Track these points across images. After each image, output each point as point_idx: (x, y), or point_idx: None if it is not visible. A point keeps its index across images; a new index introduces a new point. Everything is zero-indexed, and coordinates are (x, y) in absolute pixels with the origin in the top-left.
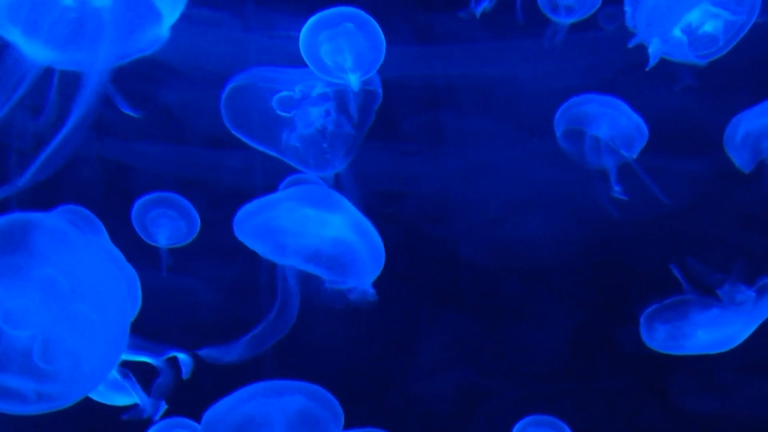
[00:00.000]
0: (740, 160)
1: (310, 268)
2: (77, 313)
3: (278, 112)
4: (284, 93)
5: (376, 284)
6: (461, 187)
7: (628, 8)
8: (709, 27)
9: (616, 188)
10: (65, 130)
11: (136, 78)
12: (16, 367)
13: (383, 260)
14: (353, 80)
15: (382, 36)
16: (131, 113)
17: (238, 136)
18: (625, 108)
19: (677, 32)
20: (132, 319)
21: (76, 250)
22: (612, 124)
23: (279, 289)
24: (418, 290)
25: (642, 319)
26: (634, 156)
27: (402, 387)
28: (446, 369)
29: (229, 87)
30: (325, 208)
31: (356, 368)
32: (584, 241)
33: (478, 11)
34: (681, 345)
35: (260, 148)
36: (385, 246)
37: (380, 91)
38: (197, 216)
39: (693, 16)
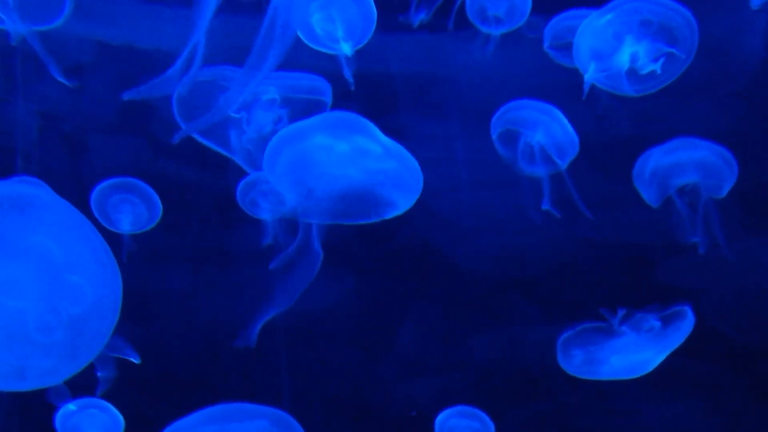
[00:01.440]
0: (648, 195)
1: (343, 207)
2: (72, 285)
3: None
4: None
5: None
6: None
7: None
8: (646, 62)
9: (546, 199)
10: None
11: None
12: (11, 341)
13: (421, 181)
14: (345, 48)
15: (374, 6)
16: (66, 83)
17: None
18: (561, 117)
19: (616, 63)
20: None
21: (69, 221)
22: (547, 131)
23: (299, 250)
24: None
25: (559, 345)
26: (564, 167)
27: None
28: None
29: (183, 86)
30: (359, 133)
31: (327, 393)
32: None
33: (416, 20)
34: (596, 370)
35: (210, 145)
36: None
37: (329, 100)
38: (159, 201)
39: (632, 50)
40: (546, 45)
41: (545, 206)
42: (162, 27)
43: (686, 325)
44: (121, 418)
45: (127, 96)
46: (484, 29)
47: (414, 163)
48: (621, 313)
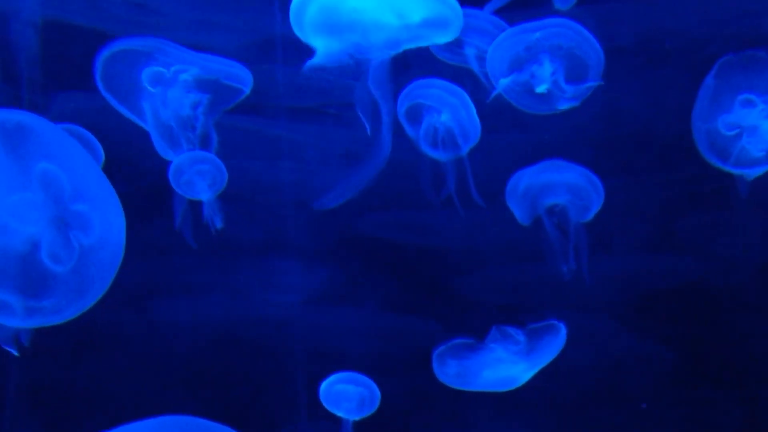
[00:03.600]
0: (520, 214)
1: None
2: (80, 213)
3: (145, 84)
4: (157, 68)
5: None
6: None
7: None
8: (552, 84)
9: (450, 183)
10: None
11: None
12: (15, 272)
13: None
14: None
15: None
16: None
17: (106, 97)
18: (469, 102)
19: (524, 80)
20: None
21: (76, 152)
22: (453, 114)
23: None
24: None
25: (434, 356)
26: (465, 152)
27: None
28: None
29: (108, 49)
30: None
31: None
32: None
33: None
34: (469, 382)
35: (128, 115)
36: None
37: (247, 90)
38: (100, 146)
39: (543, 72)
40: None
41: (447, 191)
42: None
43: (557, 339)
44: None
45: None
46: None
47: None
48: (492, 328)
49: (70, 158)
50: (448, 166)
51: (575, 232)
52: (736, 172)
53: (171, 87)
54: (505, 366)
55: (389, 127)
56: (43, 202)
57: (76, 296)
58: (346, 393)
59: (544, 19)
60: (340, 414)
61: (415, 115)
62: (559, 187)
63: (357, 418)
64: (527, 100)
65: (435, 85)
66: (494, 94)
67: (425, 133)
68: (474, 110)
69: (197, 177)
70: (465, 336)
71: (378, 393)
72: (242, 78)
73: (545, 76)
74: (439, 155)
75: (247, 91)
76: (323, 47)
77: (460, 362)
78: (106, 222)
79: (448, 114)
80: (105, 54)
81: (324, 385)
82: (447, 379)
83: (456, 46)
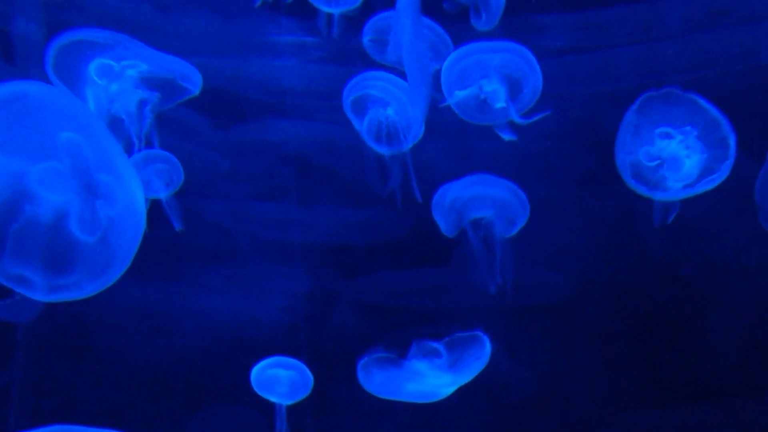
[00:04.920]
0: (445, 225)
1: None
2: (103, 183)
3: (91, 75)
4: (105, 60)
5: None
6: None
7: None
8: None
9: (394, 177)
10: None
11: None
12: (42, 245)
13: None
14: None
15: None
16: None
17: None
18: (417, 99)
19: (472, 94)
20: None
21: (95, 123)
22: (399, 108)
23: None
24: None
25: (359, 366)
26: (407, 149)
27: None
28: None
29: (64, 38)
30: None
31: None
32: None
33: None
34: (393, 393)
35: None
36: None
37: (195, 90)
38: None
39: (489, 89)
40: (365, 40)
41: (390, 186)
42: None
43: (482, 351)
44: None
45: None
46: (324, 9)
47: None
48: (412, 344)
49: (91, 129)
50: (390, 160)
51: (500, 245)
52: (658, 198)
53: (117, 81)
54: (429, 378)
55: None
56: (70, 171)
57: (100, 270)
58: (277, 378)
59: (501, 42)
60: (272, 399)
61: (362, 106)
62: (485, 201)
63: (290, 402)
64: (472, 111)
65: (385, 78)
66: (446, 103)
67: (369, 125)
68: (420, 108)
69: (154, 176)
70: (389, 346)
71: (310, 377)
72: (192, 78)
73: (494, 93)
74: (382, 149)
75: (196, 91)
76: None
77: (384, 374)
78: (129, 193)
79: (394, 108)
80: (60, 42)
81: (255, 372)
82: (372, 389)
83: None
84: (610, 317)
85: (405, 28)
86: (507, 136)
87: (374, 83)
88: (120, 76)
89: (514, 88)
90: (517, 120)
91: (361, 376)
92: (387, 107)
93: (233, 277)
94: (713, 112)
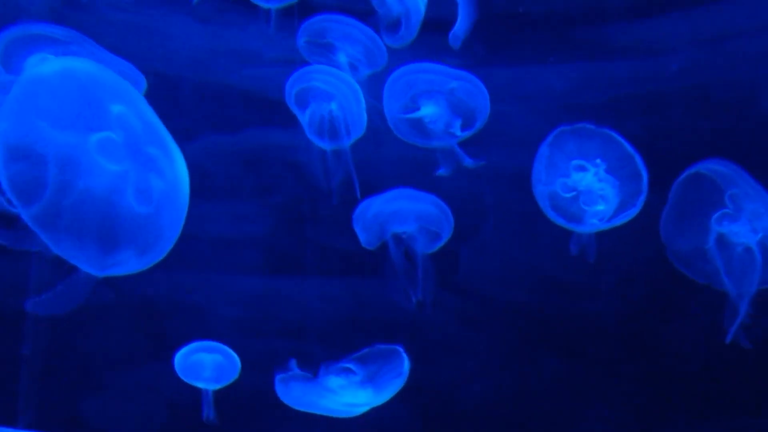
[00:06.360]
0: (365, 238)
1: None
2: (153, 156)
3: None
4: (46, 55)
5: None
6: None
7: None
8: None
9: (335, 174)
10: None
11: None
12: (97, 218)
13: None
14: None
15: None
16: None
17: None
18: (360, 95)
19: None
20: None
21: (141, 99)
22: (343, 104)
23: None
24: None
25: (276, 381)
26: (347, 145)
27: None
28: None
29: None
30: None
31: None
32: None
33: None
34: (311, 406)
35: None
36: None
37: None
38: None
39: (430, 111)
40: (300, 42)
41: (332, 182)
42: None
43: (399, 364)
44: None
45: None
46: (263, 5)
47: None
48: (321, 367)
49: (137, 104)
50: (331, 156)
51: (421, 260)
52: (575, 229)
53: None
54: (348, 393)
55: None
56: (124, 142)
57: (151, 244)
58: (201, 362)
59: (458, 71)
60: (198, 385)
61: (306, 100)
62: (408, 216)
63: (216, 387)
64: (410, 131)
65: (330, 72)
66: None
67: (311, 119)
68: (364, 105)
69: None
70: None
71: (237, 360)
72: (138, 83)
73: (439, 118)
74: (324, 144)
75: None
76: None
77: (301, 388)
78: (175, 168)
79: (338, 102)
80: (13, 33)
81: (178, 358)
82: (291, 403)
83: (328, 51)
84: (528, 339)
85: None
86: (441, 171)
87: (320, 76)
88: None
89: (463, 118)
90: (458, 152)
91: (279, 389)
92: (331, 101)
93: None
94: (626, 147)
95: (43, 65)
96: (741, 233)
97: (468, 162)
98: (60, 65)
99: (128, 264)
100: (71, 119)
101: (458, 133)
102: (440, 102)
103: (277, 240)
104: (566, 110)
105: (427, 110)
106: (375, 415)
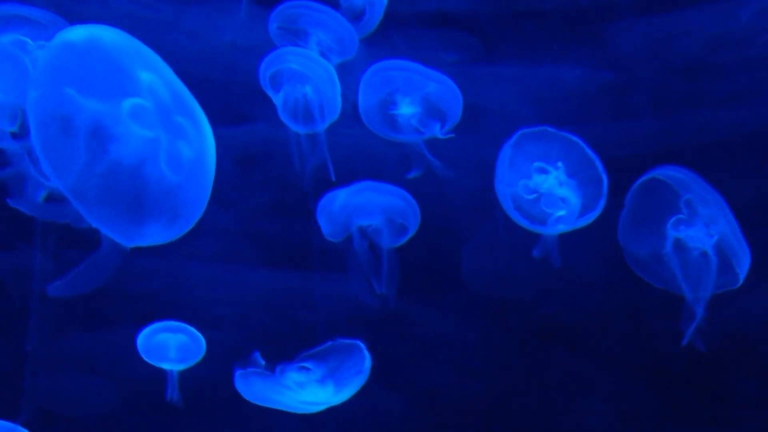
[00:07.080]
0: (330, 230)
1: None
2: (180, 125)
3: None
4: (19, 36)
5: None
6: None
7: None
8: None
9: (317, 156)
10: None
11: None
12: (127, 186)
13: None
14: None
15: None
16: None
17: None
18: (336, 79)
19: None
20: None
21: (166, 68)
22: (318, 87)
23: None
24: None
25: (236, 376)
26: (323, 129)
27: None
28: None
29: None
30: None
31: None
32: None
33: None
34: (271, 403)
35: None
36: None
37: None
38: None
39: (406, 110)
40: (271, 28)
41: (309, 167)
42: None
43: (360, 359)
44: None
45: None
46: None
47: None
48: (276, 367)
49: (165, 72)
50: (305, 140)
51: (387, 254)
52: (538, 230)
53: (29, 56)
54: (306, 391)
55: None
56: (155, 108)
57: (179, 214)
58: (164, 343)
59: (436, 72)
60: (163, 366)
61: (280, 82)
62: (374, 209)
63: (181, 368)
64: (381, 123)
65: (305, 54)
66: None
67: (285, 101)
68: (339, 89)
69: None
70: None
71: (202, 340)
72: None
73: (412, 115)
74: (298, 127)
75: None
76: None
77: (261, 383)
78: (203, 138)
79: (313, 85)
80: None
81: (140, 339)
82: (251, 398)
83: (300, 38)
84: (528, 338)
85: None
86: (413, 173)
87: (295, 58)
88: (31, 53)
89: (435, 118)
90: (425, 151)
91: (239, 384)
92: (306, 83)
93: None
94: (587, 150)
95: (71, 32)
96: (696, 238)
97: (436, 165)
98: (88, 32)
99: (156, 235)
100: (102, 86)
101: (438, 134)
102: (416, 101)
103: (284, 235)
104: (566, 109)
105: (407, 109)
106: (375, 412)
